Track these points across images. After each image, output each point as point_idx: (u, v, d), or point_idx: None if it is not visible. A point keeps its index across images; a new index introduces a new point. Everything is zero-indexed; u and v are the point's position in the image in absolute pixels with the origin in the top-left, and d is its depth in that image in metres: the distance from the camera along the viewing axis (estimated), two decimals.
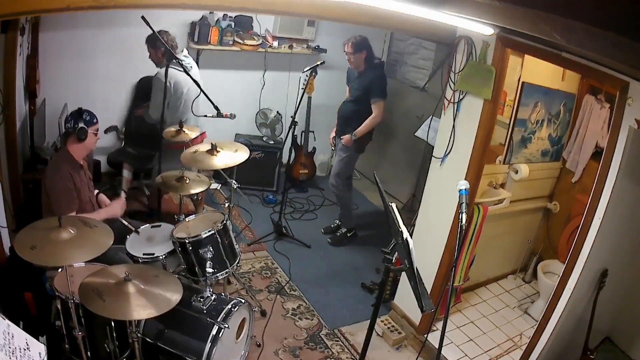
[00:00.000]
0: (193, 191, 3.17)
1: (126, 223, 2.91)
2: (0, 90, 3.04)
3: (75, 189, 2.76)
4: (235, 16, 4.82)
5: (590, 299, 2.81)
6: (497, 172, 3.76)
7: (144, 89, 4.35)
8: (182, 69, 3.38)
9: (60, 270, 2.41)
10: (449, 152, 3.10)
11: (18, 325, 1.58)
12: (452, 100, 3.04)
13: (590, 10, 1.12)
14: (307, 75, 4.37)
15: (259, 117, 5.16)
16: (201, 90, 3.39)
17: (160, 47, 3.60)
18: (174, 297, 2.19)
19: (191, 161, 3.04)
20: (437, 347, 2.11)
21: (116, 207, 2.98)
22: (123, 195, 3.11)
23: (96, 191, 3.10)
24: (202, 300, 2.58)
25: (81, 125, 2.72)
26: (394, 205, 1.99)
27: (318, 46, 5.29)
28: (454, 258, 2.09)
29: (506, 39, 2.69)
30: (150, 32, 3.26)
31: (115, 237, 2.29)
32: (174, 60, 3.32)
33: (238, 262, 3.06)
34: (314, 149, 5.34)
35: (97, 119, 2.83)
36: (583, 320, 2.85)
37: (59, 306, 2.35)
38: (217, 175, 4.92)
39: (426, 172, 3.36)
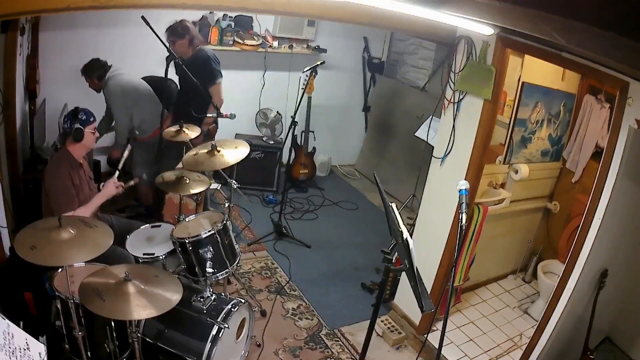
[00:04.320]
0: (193, 191, 3.17)
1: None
2: (0, 90, 3.04)
3: (75, 188, 2.76)
4: (235, 16, 4.82)
5: (590, 299, 2.81)
6: (497, 172, 3.76)
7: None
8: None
9: (60, 270, 2.41)
10: (449, 152, 3.10)
11: (18, 325, 1.58)
12: (452, 100, 3.04)
13: (590, 10, 1.12)
14: (307, 75, 4.37)
15: (259, 117, 5.17)
16: (200, 90, 3.41)
17: (93, 75, 3.75)
18: (174, 297, 2.18)
19: (192, 164, 3.03)
20: (437, 347, 2.11)
21: (110, 187, 2.93)
22: (116, 173, 3.03)
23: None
24: (202, 300, 2.58)
25: (77, 126, 2.71)
26: (394, 205, 1.99)
27: (318, 46, 5.29)
28: (454, 258, 2.08)
29: (506, 39, 2.69)
30: (82, 63, 3.65)
31: (116, 236, 2.29)
32: (175, 61, 3.34)
33: (238, 262, 3.06)
34: (314, 149, 5.35)
35: (94, 117, 2.81)
36: (583, 320, 2.84)
37: (59, 306, 2.35)
38: (217, 175, 4.92)
39: (426, 172, 3.36)
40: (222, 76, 3.81)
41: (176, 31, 3.61)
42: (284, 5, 2.76)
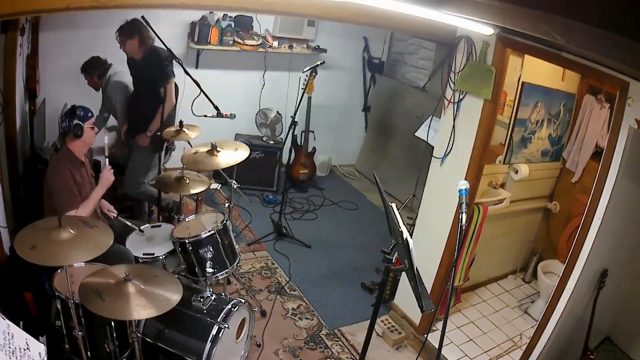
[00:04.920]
0: (193, 191, 3.18)
1: (129, 223, 2.91)
2: (0, 90, 3.04)
3: (77, 186, 2.76)
4: (235, 16, 4.82)
5: (590, 299, 2.81)
6: (497, 172, 3.76)
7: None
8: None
9: (60, 270, 2.41)
10: (449, 152, 3.10)
11: (18, 325, 1.58)
12: (452, 100, 3.04)
13: (590, 10, 1.12)
14: (307, 75, 4.37)
15: (259, 117, 5.17)
16: (201, 90, 3.41)
17: (94, 73, 3.76)
18: (174, 297, 2.19)
19: (191, 162, 3.04)
20: (437, 347, 2.11)
21: (107, 176, 2.89)
22: (107, 162, 2.98)
23: None
24: (202, 300, 2.58)
25: (76, 122, 2.72)
26: (394, 205, 1.99)
27: (318, 46, 5.29)
28: (454, 258, 2.08)
29: (506, 39, 2.69)
30: (82, 62, 3.65)
31: (116, 236, 2.29)
32: (175, 61, 3.34)
33: (238, 262, 3.06)
34: (314, 149, 5.35)
35: (91, 112, 2.82)
36: (583, 320, 2.84)
37: (59, 306, 2.35)
38: (217, 175, 4.93)
39: (426, 172, 3.36)
40: (174, 76, 3.66)
41: (125, 30, 3.47)
42: (284, 5, 2.76)
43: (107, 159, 3.00)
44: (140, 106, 3.65)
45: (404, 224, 1.88)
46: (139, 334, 2.38)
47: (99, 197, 2.85)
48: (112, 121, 4.40)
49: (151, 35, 3.53)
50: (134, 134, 3.72)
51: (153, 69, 3.52)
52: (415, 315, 3.41)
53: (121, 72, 3.80)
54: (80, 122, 2.73)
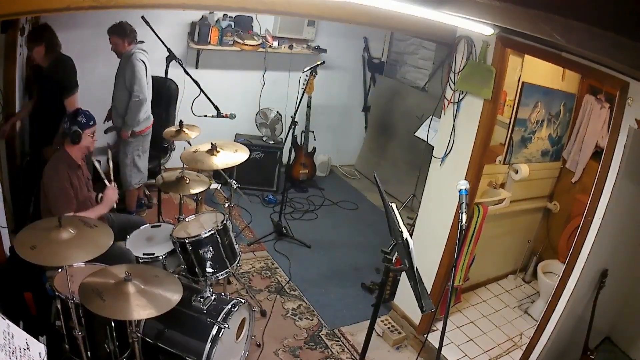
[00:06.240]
0: (193, 191, 3.18)
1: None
2: (0, 90, 3.04)
3: (73, 189, 2.76)
4: (235, 16, 4.82)
5: (590, 299, 2.81)
6: (497, 172, 3.76)
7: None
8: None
9: (60, 270, 2.41)
10: (449, 152, 3.10)
11: (18, 325, 1.58)
12: (452, 100, 3.04)
13: (590, 10, 1.12)
14: (307, 75, 4.37)
15: (259, 117, 5.17)
16: (201, 90, 3.41)
17: (127, 36, 3.63)
18: (174, 297, 2.19)
19: (191, 160, 3.04)
20: (437, 347, 2.11)
21: (110, 196, 2.92)
22: (113, 184, 3.00)
23: (100, 195, 3.07)
24: (202, 300, 2.58)
25: (75, 128, 2.70)
26: (394, 205, 1.99)
27: (318, 46, 5.29)
28: (454, 258, 2.09)
29: (506, 39, 2.69)
30: (112, 24, 3.51)
31: (115, 234, 2.29)
32: (175, 61, 3.34)
33: (238, 262, 3.06)
34: (314, 149, 5.35)
35: (94, 120, 2.80)
36: (583, 320, 2.85)
37: (59, 306, 2.35)
38: (217, 175, 4.92)
39: (426, 172, 3.36)
40: (77, 87, 3.56)
41: (33, 36, 3.37)
42: (284, 5, 2.76)
43: (108, 163, 3.01)
44: (44, 118, 3.49)
45: (404, 224, 1.88)
46: (139, 334, 2.38)
47: (98, 216, 2.84)
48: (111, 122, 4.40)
49: (59, 42, 3.42)
50: (40, 145, 3.53)
51: (58, 78, 3.43)
52: (415, 315, 3.42)
53: (144, 54, 3.72)
54: (79, 129, 2.72)
